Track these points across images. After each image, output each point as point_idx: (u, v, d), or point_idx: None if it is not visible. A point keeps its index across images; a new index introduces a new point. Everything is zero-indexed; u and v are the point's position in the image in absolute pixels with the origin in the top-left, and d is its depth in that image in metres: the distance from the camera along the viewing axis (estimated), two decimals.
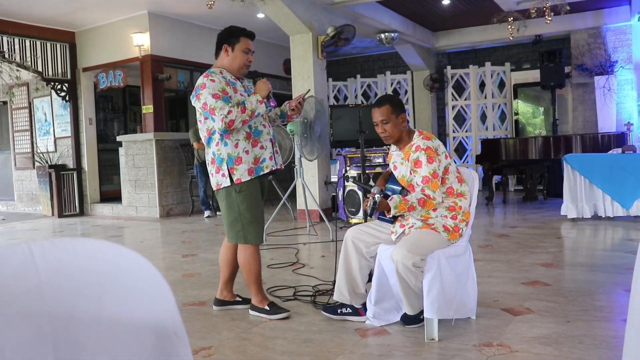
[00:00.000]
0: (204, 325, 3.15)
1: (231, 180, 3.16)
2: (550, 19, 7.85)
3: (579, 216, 6.34)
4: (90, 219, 9.26)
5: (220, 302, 3.47)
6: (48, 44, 9.47)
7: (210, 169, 3.28)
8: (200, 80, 3.17)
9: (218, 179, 3.23)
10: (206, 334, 2.99)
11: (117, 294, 1.04)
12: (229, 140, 3.15)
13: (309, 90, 3.78)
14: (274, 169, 3.29)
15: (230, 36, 3.31)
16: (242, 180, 3.16)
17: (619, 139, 7.94)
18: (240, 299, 3.50)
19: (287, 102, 3.46)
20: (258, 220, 3.25)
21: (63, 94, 9.59)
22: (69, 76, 9.68)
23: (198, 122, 3.29)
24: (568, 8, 7.91)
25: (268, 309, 3.23)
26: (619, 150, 6.70)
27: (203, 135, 3.27)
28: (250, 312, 3.31)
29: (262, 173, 3.23)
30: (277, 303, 3.35)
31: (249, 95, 3.23)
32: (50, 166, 9.71)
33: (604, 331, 2.74)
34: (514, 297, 3.41)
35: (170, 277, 4.41)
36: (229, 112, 3.03)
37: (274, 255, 5.10)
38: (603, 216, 6.26)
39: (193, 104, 3.22)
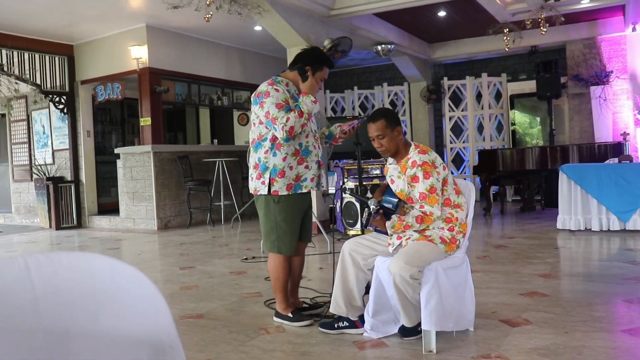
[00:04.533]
0: (202, 338, 3.14)
1: (269, 190, 3.22)
2: (545, 30, 7.92)
3: (575, 228, 6.35)
4: (88, 231, 9.24)
5: None
6: (46, 57, 9.51)
7: (252, 172, 3.33)
8: (264, 87, 3.22)
9: (257, 185, 3.28)
10: (204, 347, 2.97)
11: (112, 308, 1.04)
12: (278, 152, 3.20)
13: (364, 117, 3.81)
14: (312, 190, 3.36)
15: (316, 61, 3.35)
16: (280, 194, 3.22)
17: (616, 149, 7.98)
18: (307, 305, 3.55)
19: (338, 124, 3.50)
20: (293, 232, 3.32)
21: (61, 106, 9.60)
22: (67, 89, 9.71)
23: (252, 125, 3.33)
24: (563, 19, 7.98)
25: (292, 316, 3.29)
26: (616, 160, 6.72)
27: (252, 138, 3.32)
28: (275, 318, 3.37)
29: (299, 192, 3.28)
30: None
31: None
32: (48, 178, 9.71)
33: (602, 342, 2.74)
34: (512, 308, 3.40)
35: (168, 289, 4.39)
36: (287, 119, 3.08)
37: None
38: (598, 230, 6.25)
39: (253, 109, 3.26)
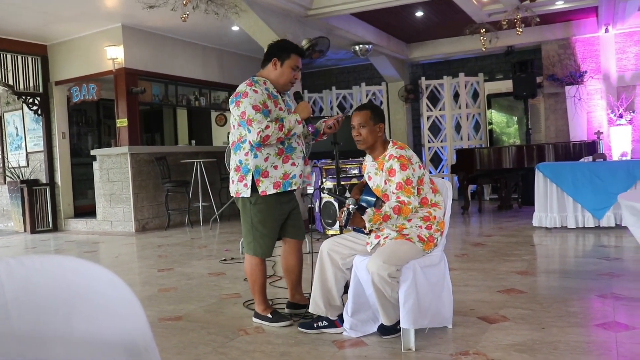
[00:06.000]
0: (180, 340, 3.11)
1: (255, 191, 3.18)
2: (521, 30, 8.03)
3: (551, 225, 6.43)
4: (64, 234, 9.10)
5: (293, 305, 3.48)
6: (19, 57, 9.34)
7: (233, 175, 3.28)
8: (242, 87, 3.18)
9: (239, 188, 3.23)
10: (182, 349, 2.95)
11: (86, 312, 1.02)
12: (259, 153, 3.17)
13: (350, 111, 3.78)
14: (301, 187, 3.34)
15: (281, 51, 3.30)
16: (267, 193, 3.18)
17: (590, 147, 8.12)
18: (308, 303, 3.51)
19: (323, 120, 3.47)
20: (270, 235, 3.29)
21: (35, 107, 9.44)
22: (41, 90, 9.55)
23: (231, 127, 3.29)
24: (538, 19, 8.10)
25: (271, 316, 3.28)
26: (590, 158, 6.83)
27: (232, 140, 3.28)
28: (254, 319, 3.35)
29: (289, 189, 3.25)
30: (279, 311, 3.38)
31: (287, 112, 3.27)
32: (22, 181, 9.54)
33: (577, 337, 2.78)
34: (490, 305, 3.44)
35: (146, 292, 4.35)
36: (267, 127, 3.05)
37: None
38: (574, 227, 6.34)
39: (231, 109, 3.23)
